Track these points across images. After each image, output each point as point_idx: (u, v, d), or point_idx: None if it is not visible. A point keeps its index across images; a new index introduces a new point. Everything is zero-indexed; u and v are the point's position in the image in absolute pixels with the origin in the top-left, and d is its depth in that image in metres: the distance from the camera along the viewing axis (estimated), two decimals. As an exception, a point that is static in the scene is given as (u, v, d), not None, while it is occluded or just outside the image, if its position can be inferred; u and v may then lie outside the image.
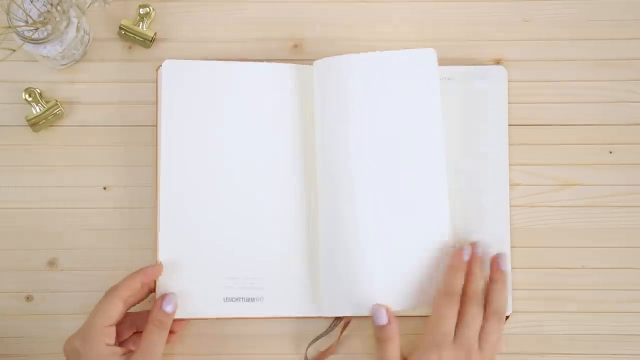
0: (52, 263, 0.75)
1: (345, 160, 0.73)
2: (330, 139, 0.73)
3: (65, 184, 0.75)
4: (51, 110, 0.74)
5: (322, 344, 0.74)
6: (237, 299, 0.73)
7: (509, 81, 0.76)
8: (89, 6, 0.72)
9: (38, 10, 0.71)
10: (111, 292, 0.69)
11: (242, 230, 0.73)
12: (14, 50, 0.73)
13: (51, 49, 0.72)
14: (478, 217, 0.74)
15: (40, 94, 0.75)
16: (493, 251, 0.73)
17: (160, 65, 0.74)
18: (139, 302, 0.71)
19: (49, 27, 0.71)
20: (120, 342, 0.70)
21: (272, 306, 0.73)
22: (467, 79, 0.75)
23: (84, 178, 0.75)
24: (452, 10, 0.77)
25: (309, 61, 0.76)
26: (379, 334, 0.70)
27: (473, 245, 0.72)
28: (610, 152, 0.76)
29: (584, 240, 0.75)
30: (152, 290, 0.72)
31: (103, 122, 0.76)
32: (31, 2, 0.71)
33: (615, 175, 0.76)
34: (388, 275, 0.73)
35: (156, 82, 0.75)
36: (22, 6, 0.71)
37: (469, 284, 0.70)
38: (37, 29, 0.71)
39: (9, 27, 0.70)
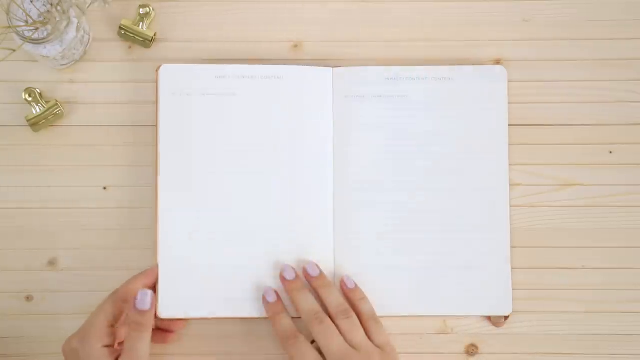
0: (52, 263, 0.75)
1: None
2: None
3: (65, 184, 0.75)
4: (51, 110, 0.74)
5: (322, 344, 0.74)
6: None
7: (509, 81, 0.76)
8: (89, 6, 0.72)
9: (38, 10, 0.71)
10: (112, 294, 0.69)
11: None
12: (14, 50, 0.73)
13: (51, 49, 0.72)
14: (478, 217, 0.74)
15: (40, 94, 0.75)
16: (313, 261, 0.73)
17: (160, 67, 0.74)
18: None
19: (49, 27, 0.71)
20: (120, 343, 0.70)
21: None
22: (467, 79, 0.75)
23: (84, 178, 0.75)
24: (452, 10, 0.77)
25: (309, 61, 0.76)
26: (269, 308, 0.71)
27: (307, 274, 0.72)
28: (610, 152, 0.76)
29: (584, 240, 0.75)
30: (154, 291, 0.72)
31: (103, 122, 0.76)
32: (31, 2, 0.71)
33: (615, 175, 0.76)
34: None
35: (156, 82, 0.75)
36: (22, 6, 0.71)
37: (329, 303, 0.70)
38: (37, 29, 0.71)
39: (9, 27, 0.70)
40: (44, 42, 0.71)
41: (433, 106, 0.75)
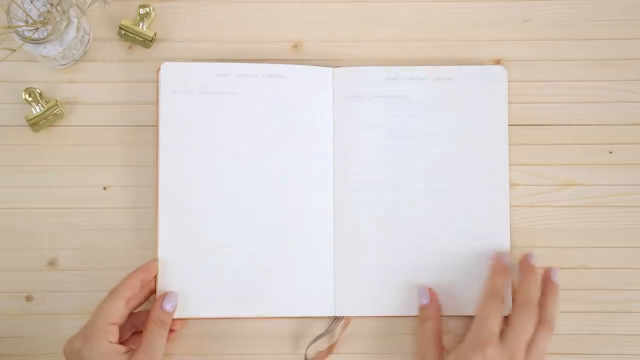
0: (52, 263, 0.75)
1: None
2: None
3: (65, 184, 0.75)
4: (51, 110, 0.74)
5: (322, 344, 0.74)
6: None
7: (509, 81, 0.76)
8: (89, 6, 0.72)
9: (38, 10, 0.71)
10: (112, 292, 0.69)
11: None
12: (14, 50, 0.73)
13: (51, 49, 0.72)
14: (478, 217, 0.74)
15: (40, 94, 0.75)
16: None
17: (161, 65, 0.74)
18: (141, 304, 0.71)
19: (49, 27, 0.71)
20: (120, 342, 0.70)
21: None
22: (467, 79, 0.75)
23: (84, 178, 0.75)
24: (452, 10, 0.77)
25: (309, 61, 0.76)
26: (420, 313, 0.72)
27: (527, 255, 0.73)
28: (610, 152, 0.76)
29: (584, 240, 0.75)
30: (153, 291, 0.72)
31: (103, 122, 0.76)
32: (31, 2, 0.71)
33: (615, 175, 0.76)
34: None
35: (157, 80, 0.75)
36: (22, 6, 0.71)
37: (521, 291, 0.71)
38: (37, 29, 0.71)
39: (9, 27, 0.70)
40: (44, 42, 0.71)
41: (433, 106, 0.75)
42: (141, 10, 0.76)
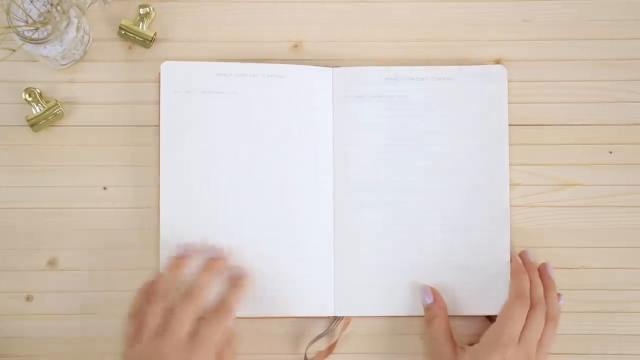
0: (52, 263, 0.75)
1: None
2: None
3: (65, 184, 0.75)
4: (51, 110, 0.74)
5: (322, 344, 0.74)
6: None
7: (509, 81, 0.76)
8: (89, 6, 0.72)
9: (38, 10, 0.71)
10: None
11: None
12: (14, 50, 0.73)
13: (51, 49, 0.72)
14: (478, 217, 0.74)
15: (40, 94, 0.75)
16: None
17: (162, 64, 0.74)
18: None
19: (49, 27, 0.71)
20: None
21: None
22: (467, 79, 0.75)
23: (84, 178, 0.75)
24: (452, 10, 0.77)
25: (309, 61, 0.76)
26: (426, 313, 0.73)
27: (524, 252, 0.74)
28: (610, 152, 0.76)
29: (584, 240, 0.75)
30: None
31: (103, 122, 0.76)
32: (31, 2, 0.71)
33: (615, 175, 0.76)
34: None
35: (158, 79, 0.75)
36: (22, 6, 0.71)
37: (532, 289, 0.71)
38: (37, 29, 0.71)
39: (9, 27, 0.70)
40: (44, 42, 0.71)
41: (433, 106, 0.75)
42: (141, 10, 0.76)
